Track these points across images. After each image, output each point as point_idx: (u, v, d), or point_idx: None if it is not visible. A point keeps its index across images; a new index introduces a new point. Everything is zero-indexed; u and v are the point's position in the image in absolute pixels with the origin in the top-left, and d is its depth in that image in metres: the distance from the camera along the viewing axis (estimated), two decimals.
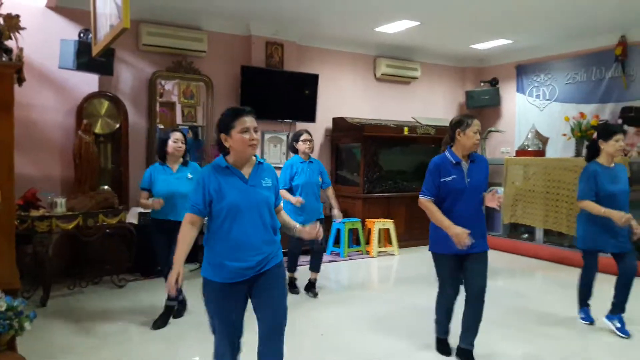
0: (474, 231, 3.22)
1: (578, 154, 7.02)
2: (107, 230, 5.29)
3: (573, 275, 6.02)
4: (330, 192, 5.18)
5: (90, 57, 5.05)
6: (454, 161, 3.36)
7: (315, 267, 5.13)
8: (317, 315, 4.48)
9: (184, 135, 4.27)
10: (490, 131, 8.85)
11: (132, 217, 5.70)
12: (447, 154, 3.42)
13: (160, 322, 4.12)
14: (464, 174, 3.34)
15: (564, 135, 7.43)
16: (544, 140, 7.98)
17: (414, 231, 7.77)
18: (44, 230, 4.62)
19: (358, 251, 7.24)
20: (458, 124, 3.37)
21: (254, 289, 2.56)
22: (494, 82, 9.01)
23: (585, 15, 6.44)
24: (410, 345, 3.81)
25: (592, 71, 7.62)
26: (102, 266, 5.38)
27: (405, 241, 7.60)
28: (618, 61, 7.21)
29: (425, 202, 3.38)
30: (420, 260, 6.87)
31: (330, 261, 6.72)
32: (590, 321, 4.25)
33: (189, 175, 4.21)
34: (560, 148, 7.84)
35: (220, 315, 2.54)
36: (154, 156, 6.34)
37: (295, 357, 3.48)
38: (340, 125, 7.74)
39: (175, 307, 4.28)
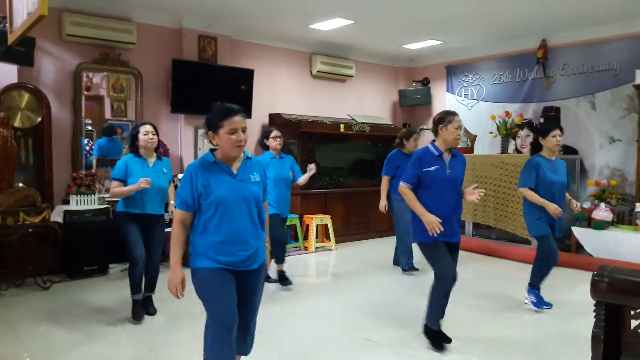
0: (452, 221, 3.51)
1: (504, 150, 7.38)
2: (30, 230, 4.99)
3: (500, 266, 6.35)
4: (300, 180, 5.33)
5: (7, 46, 4.74)
6: (436, 153, 3.56)
7: (280, 259, 5.26)
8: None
9: (155, 127, 4.17)
10: (422, 129, 9.13)
11: (56, 215, 5.42)
12: (430, 146, 3.62)
13: (139, 316, 4.12)
14: (446, 166, 3.54)
15: (491, 133, 7.78)
16: (472, 138, 8.33)
17: (351, 226, 7.90)
18: None
19: (296, 247, 7.25)
20: (441, 120, 3.59)
21: (239, 285, 2.56)
22: (425, 82, 9.29)
23: (510, 19, 6.76)
24: (350, 340, 3.85)
25: (516, 72, 8.02)
26: (25, 267, 5.06)
27: (343, 236, 7.70)
28: (539, 63, 7.63)
29: (404, 187, 3.56)
30: (357, 255, 6.98)
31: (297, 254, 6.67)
32: (548, 305, 4.48)
33: (164, 170, 4.20)
34: (487, 145, 8.20)
35: (220, 296, 2.46)
36: (80, 152, 6.10)
37: None
38: (277, 121, 7.71)
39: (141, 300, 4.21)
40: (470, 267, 6.29)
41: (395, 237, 6.10)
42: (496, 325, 4.14)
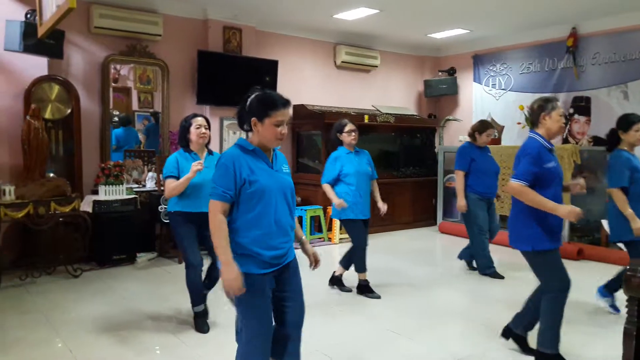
0: (562, 223, 3.10)
1: None
2: (60, 219, 5.11)
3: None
4: (374, 185, 4.82)
5: (37, 39, 4.85)
6: (549, 146, 3.12)
7: (360, 267, 4.71)
8: None
9: (207, 121, 3.86)
10: (448, 120, 9.03)
11: (86, 205, 5.53)
12: (539, 138, 3.12)
13: (203, 326, 3.76)
14: (557, 160, 3.16)
15: (519, 123, 7.65)
16: (499, 129, 8.19)
17: (374, 218, 7.80)
18: None
19: (320, 238, 7.26)
20: (542, 107, 3.13)
21: (279, 282, 2.40)
22: (451, 72, 9.16)
23: (539, 7, 6.61)
24: (375, 332, 3.85)
25: (545, 61, 7.85)
26: (56, 256, 5.20)
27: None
28: (569, 52, 7.45)
29: (520, 186, 3.00)
30: (380, 247, 6.96)
31: (296, 248, 6.70)
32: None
33: None
34: (515, 136, 8.06)
35: (260, 313, 2.30)
36: (109, 143, 6.21)
37: None
38: (301, 113, 7.70)
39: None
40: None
41: (467, 238, 5.58)
42: None
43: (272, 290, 2.36)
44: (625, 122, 3.98)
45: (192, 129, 3.75)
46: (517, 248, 3.17)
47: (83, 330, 3.76)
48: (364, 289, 4.67)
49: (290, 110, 2.44)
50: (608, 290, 4.22)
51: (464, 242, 5.78)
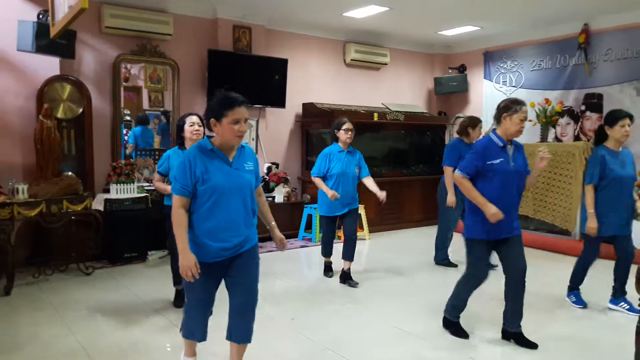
0: (513, 215, 3.35)
1: (543, 139, 7.18)
2: (72, 217, 5.16)
3: (547, 260, 6.22)
4: (369, 181, 5.00)
5: (50, 40, 4.89)
6: (500, 144, 3.35)
7: (348, 255, 4.98)
8: (289, 300, 4.48)
9: (201, 118, 3.92)
10: (458, 117, 8.98)
11: (98, 203, 5.58)
12: (493, 136, 3.39)
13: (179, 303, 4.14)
14: (509, 158, 3.34)
15: (530, 120, 7.51)
16: None
17: (384, 216, 7.85)
18: (5, 217, 4.50)
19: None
20: (506, 108, 3.35)
21: (230, 268, 2.65)
22: (461, 69, 9.11)
23: (550, 4, 6.55)
24: (382, 329, 3.85)
25: (556, 58, 7.78)
26: (68, 253, 5.25)
27: (376, 226, 7.67)
28: (581, 49, 7.38)
29: (461, 177, 3.36)
30: (390, 245, 6.95)
31: (302, 246, 6.73)
32: (583, 305, 4.27)
33: None
34: (526, 133, 7.90)
35: (198, 293, 2.65)
36: (120, 142, 6.26)
37: (265, 341, 3.49)
38: (310, 111, 7.71)
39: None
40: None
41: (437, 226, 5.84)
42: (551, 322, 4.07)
43: (224, 275, 2.67)
44: (611, 117, 4.06)
45: (186, 127, 3.90)
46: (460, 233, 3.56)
47: (95, 327, 3.81)
48: (327, 268, 5.23)
49: (246, 109, 2.54)
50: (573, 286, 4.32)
51: None
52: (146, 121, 6.73)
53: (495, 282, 3.84)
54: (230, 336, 2.70)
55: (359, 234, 7.31)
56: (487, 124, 8.50)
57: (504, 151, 3.34)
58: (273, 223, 2.89)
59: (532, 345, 3.40)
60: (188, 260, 2.46)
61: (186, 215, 2.53)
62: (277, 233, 2.88)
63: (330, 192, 4.74)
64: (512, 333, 3.49)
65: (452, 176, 5.15)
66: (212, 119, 2.51)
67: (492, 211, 3.19)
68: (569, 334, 3.76)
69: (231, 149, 2.59)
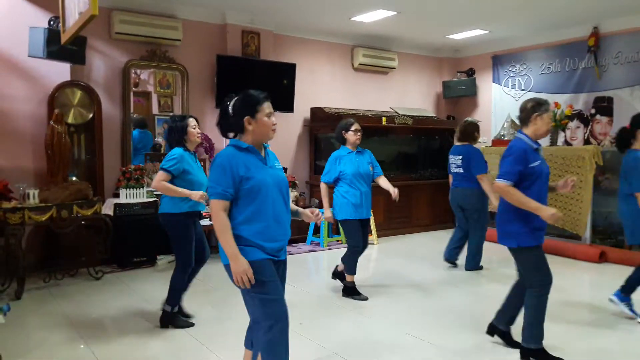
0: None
1: (552, 142, 7.13)
2: (82, 222, 5.20)
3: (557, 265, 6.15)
4: (382, 180, 4.78)
5: (60, 46, 4.94)
6: (535, 146, 3.22)
7: (350, 269, 4.73)
8: (298, 304, 4.48)
9: (197, 120, 3.97)
10: (467, 121, 8.93)
11: (107, 208, 5.61)
12: (524, 138, 3.23)
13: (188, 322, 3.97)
14: (544, 160, 3.24)
15: None
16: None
17: (392, 221, 7.84)
18: (16, 222, 4.53)
19: (338, 241, 7.25)
20: (536, 107, 3.20)
21: None
22: (470, 73, 9.09)
23: (560, 6, 6.52)
24: (393, 335, 3.84)
25: (566, 62, 7.74)
26: (78, 258, 5.29)
27: (384, 230, 7.66)
28: (591, 52, 7.34)
29: (507, 186, 3.10)
30: (399, 249, 6.93)
31: (310, 251, 6.72)
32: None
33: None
34: None
35: (277, 292, 2.44)
36: (129, 147, 6.29)
37: None
38: (319, 115, 7.72)
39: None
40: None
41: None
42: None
43: None
44: None
45: (190, 129, 3.84)
46: (504, 244, 3.28)
47: (104, 332, 3.83)
48: (350, 291, 4.68)
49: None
50: (625, 293, 4.14)
51: (485, 245, 5.73)
52: (144, 125, 6.75)
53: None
54: (250, 345, 2.65)
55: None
56: (496, 127, 8.47)
57: (538, 153, 3.22)
58: (299, 209, 2.78)
59: (518, 345, 3.35)
60: (241, 265, 2.31)
61: (228, 220, 2.39)
62: (303, 210, 2.77)
63: (328, 213, 4.59)
64: (500, 330, 3.52)
65: (489, 181, 5.29)
66: (246, 117, 2.44)
67: (551, 211, 3.00)
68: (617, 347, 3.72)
69: (260, 147, 2.55)
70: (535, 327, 3.21)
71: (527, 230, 3.15)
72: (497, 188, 3.17)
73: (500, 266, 5.86)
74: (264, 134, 2.50)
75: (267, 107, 2.48)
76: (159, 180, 3.67)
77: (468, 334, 3.79)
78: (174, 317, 3.90)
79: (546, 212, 3.01)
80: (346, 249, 4.73)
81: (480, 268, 5.70)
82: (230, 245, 2.34)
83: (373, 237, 7.26)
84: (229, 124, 2.52)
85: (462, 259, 5.77)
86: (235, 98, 2.51)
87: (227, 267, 2.40)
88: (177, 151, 3.76)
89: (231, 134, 2.55)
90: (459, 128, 5.83)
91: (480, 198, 5.51)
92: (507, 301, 3.50)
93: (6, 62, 5.38)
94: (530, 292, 3.22)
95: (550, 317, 3.77)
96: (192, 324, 3.92)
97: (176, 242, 3.81)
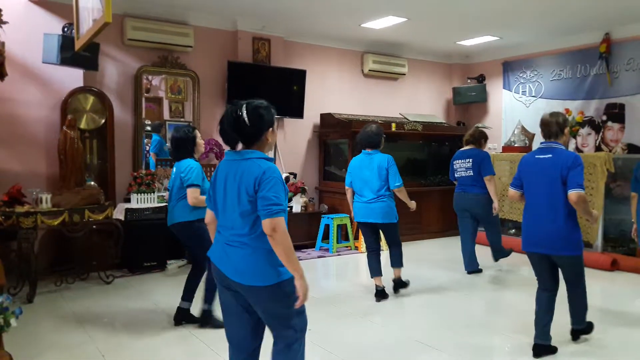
0: None
1: None
2: (94, 226, 5.25)
3: None
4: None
5: (74, 52, 5.00)
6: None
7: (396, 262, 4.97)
8: (307, 310, 4.47)
9: None
10: (477, 127, 8.91)
11: (118, 213, 5.66)
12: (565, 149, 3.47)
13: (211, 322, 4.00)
14: None
15: None
16: (530, 137, 8.04)
17: (402, 227, 7.73)
18: (29, 226, 4.58)
19: (347, 247, 7.25)
20: (567, 121, 3.49)
21: None
22: (480, 79, 9.06)
23: (571, 13, 6.50)
24: (402, 342, 3.83)
25: (577, 68, 7.70)
26: (89, 262, 5.34)
27: None
28: (602, 58, 7.29)
29: (585, 196, 3.27)
30: (407, 256, 6.89)
31: (319, 257, 6.72)
32: None
33: None
34: None
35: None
36: (141, 152, 6.34)
37: None
38: (328, 121, 7.74)
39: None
40: (526, 271, 6.09)
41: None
42: None
43: None
44: None
45: (199, 140, 3.99)
46: (566, 254, 3.35)
47: (115, 335, 3.86)
48: (380, 294, 4.79)
49: None
50: None
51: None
52: (159, 130, 6.82)
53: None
54: None
55: None
56: (507, 134, 8.43)
57: None
58: None
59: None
60: (306, 283, 2.27)
61: None
62: None
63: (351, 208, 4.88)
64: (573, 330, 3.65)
65: (495, 184, 5.57)
66: (270, 128, 2.39)
67: (598, 215, 3.35)
68: None
69: None
70: (586, 309, 3.60)
71: (581, 237, 3.39)
72: (582, 198, 3.22)
73: (510, 272, 5.83)
74: (270, 147, 2.47)
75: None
76: (196, 196, 3.74)
77: (478, 340, 3.77)
78: (211, 316, 3.96)
79: (597, 217, 3.41)
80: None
81: (480, 271, 5.79)
82: (298, 263, 2.24)
83: (382, 243, 7.23)
84: (245, 134, 2.33)
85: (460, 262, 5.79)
86: (247, 107, 2.32)
87: (284, 283, 2.28)
88: (192, 163, 3.87)
89: (239, 145, 2.38)
90: (470, 131, 5.92)
91: (491, 202, 5.59)
92: (549, 315, 3.48)
93: (20, 67, 5.45)
94: (580, 289, 3.53)
95: (560, 325, 3.76)
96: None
97: (198, 244, 3.86)
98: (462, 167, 5.70)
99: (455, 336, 3.86)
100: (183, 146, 3.94)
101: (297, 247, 6.97)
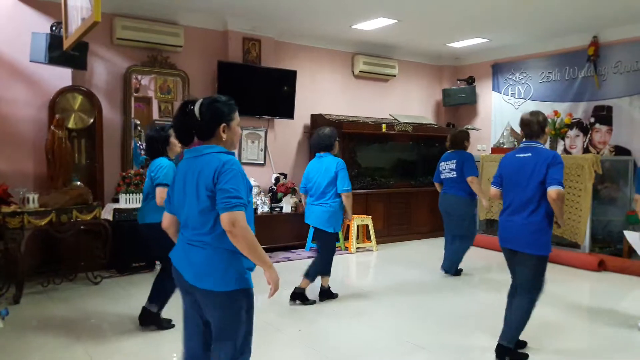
0: None
1: None
2: (82, 227, 5.21)
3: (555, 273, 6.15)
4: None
5: (62, 51, 4.95)
6: None
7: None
8: (296, 311, 4.48)
9: None
10: (467, 129, 8.97)
11: (107, 213, 5.62)
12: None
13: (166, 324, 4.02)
14: None
15: None
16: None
17: (392, 227, 7.85)
18: (16, 226, 4.53)
19: (337, 247, 7.23)
20: (546, 121, 3.49)
21: None
22: (470, 81, 9.12)
23: (560, 16, 6.56)
24: (392, 342, 3.83)
25: (565, 70, 7.77)
26: (77, 263, 5.29)
27: (384, 237, 7.66)
28: (590, 61, 7.37)
29: (564, 192, 3.25)
30: (398, 256, 6.92)
31: (309, 257, 6.72)
32: None
33: None
34: None
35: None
36: (130, 152, 6.30)
37: (272, 352, 3.48)
38: (319, 122, 7.72)
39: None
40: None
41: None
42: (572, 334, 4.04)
43: None
44: None
45: (172, 139, 3.90)
46: (530, 252, 3.30)
47: (103, 336, 3.82)
48: (295, 295, 4.64)
49: None
50: None
51: (483, 252, 5.74)
52: None
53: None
54: None
55: (366, 244, 7.34)
56: (496, 135, 8.49)
57: None
58: None
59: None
60: (276, 272, 2.22)
61: None
62: None
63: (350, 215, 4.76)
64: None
65: (479, 184, 5.56)
66: (223, 124, 2.27)
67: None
68: None
69: None
70: (520, 330, 3.36)
71: (549, 238, 3.34)
72: (561, 195, 3.18)
73: (500, 272, 5.86)
74: (234, 143, 2.36)
75: (238, 115, 2.35)
76: (163, 196, 3.57)
77: (466, 340, 3.79)
78: (158, 317, 3.97)
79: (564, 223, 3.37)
80: None
81: (460, 272, 5.82)
82: (265, 255, 2.18)
83: (372, 243, 7.27)
84: (196, 129, 2.28)
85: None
86: (202, 101, 2.28)
87: (242, 292, 2.22)
88: (164, 162, 3.82)
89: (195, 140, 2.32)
90: (449, 137, 5.89)
91: (470, 207, 5.59)
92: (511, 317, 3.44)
93: (8, 66, 5.40)
94: (530, 298, 3.34)
95: (547, 325, 3.78)
96: (173, 325, 3.96)
97: (166, 248, 3.77)
98: (446, 169, 5.73)
99: (444, 336, 3.87)
100: (155, 145, 3.93)
101: (287, 248, 6.96)
